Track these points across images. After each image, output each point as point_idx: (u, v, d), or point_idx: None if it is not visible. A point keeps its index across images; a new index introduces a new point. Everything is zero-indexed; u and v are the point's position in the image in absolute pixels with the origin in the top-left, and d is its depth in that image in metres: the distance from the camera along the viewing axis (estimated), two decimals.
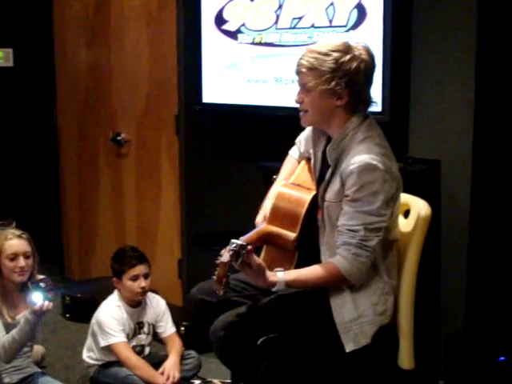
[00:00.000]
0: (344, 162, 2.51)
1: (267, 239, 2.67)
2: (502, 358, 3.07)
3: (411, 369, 2.64)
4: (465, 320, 3.36)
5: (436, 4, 3.30)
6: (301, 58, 2.56)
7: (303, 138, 2.93)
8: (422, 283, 2.68)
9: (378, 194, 2.44)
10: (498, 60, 3.24)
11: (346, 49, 2.52)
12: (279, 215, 2.70)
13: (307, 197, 2.71)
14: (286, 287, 2.49)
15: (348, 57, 2.50)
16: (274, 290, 2.50)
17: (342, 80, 2.50)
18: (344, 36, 3.36)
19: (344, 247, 2.48)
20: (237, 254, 2.38)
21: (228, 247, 2.39)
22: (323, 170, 2.66)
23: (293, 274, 2.53)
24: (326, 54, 2.50)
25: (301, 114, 2.63)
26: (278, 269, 2.51)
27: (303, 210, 2.68)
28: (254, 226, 2.84)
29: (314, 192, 2.72)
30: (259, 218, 2.85)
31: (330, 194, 2.56)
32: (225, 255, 2.39)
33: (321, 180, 2.66)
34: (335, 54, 2.50)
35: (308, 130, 2.87)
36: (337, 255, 2.49)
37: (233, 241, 2.39)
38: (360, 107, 2.58)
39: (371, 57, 2.57)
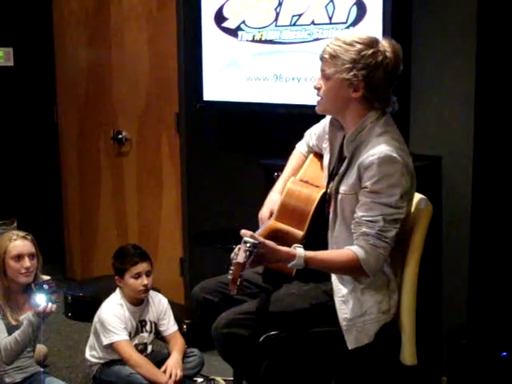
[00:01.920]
0: (362, 154, 2.50)
1: (275, 236, 2.66)
2: (505, 354, 3.07)
3: (414, 365, 2.63)
4: (467, 316, 3.36)
5: (436, 0, 3.30)
6: (326, 45, 2.56)
7: (314, 133, 2.92)
8: (423, 279, 2.68)
9: (396, 187, 2.44)
10: (499, 56, 3.24)
11: (371, 43, 2.51)
12: (288, 212, 2.70)
13: (316, 195, 2.71)
14: (303, 263, 2.45)
15: (371, 51, 2.49)
16: (292, 263, 2.45)
17: (360, 72, 2.49)
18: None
19: (362, 237, 2.46)
20: (251, 253, 2.37)
21: (242, 247, 2.36)
22: (338, 164, 2.65)
23: (312, 252, 2.49)
24: (351, 45, 2.50)
25: (317, 100, 2.63)
26: (296, 245, 2.49)
27: (312, 208, 2.68)
28: (255, 223, 2.84)
29: (322, 190, 2.72)
30: (264, 213, 2.84)
31: (344, 187, 2.55)
32: (240, 255, 2.36)
33: (335, 173, 2.65)
34: (359, 46, 2.50)
35: (322, 125, 2.87)
36: (355, 245, 2.47)
37: (245, 239, 2.36)
38: (377, 104, 2.57)
39: (396, 57, 2.54)
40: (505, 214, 3.34)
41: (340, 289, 2.58)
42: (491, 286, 3.35)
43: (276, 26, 3.68)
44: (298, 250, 2.46)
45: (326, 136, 2.77)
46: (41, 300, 3.11)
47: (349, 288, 2.57)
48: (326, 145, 2.78)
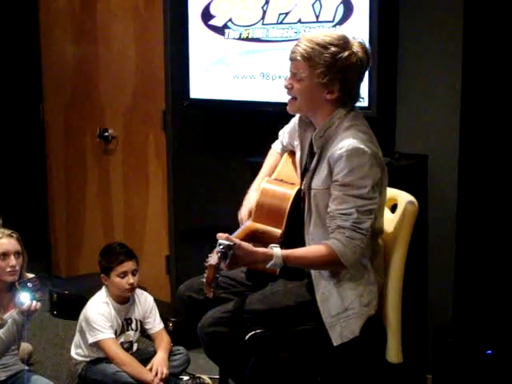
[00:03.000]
0: (330, 149, 2.50)
1: (253, 236, 2.66)
2: (490, 352, 3.09)
3: (399, 363, 2.64)
4: (452, 314, 3.37)
5: None
6: (296, 45, 2.53)
7: (287, 131, 2.93)
8: (409, 277, 2.69)
9: (366, 178, 2.44)
10: (485, 54, 3.25)
11: (344, 44, 2.50)
12: (264, 212, 2.70)
13: (291, 192, 2.71)
14: (282, 261, 2.44)
15: (346, 53, 2.48)
16: (270, 264, 2.44)
17: (335, 76, 2.49)
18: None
19: (338, 231, 2.46)
20: (224, 254, 2.37)
21: (216, 249, 2.37)
22: (309, 160, 2.66)
23: (289, 250, 2.50)
24: (324, 47, 2.48)
25: (289, 99, 2.62)
26: (273, 245, 2.49)
27: (288, 206, 2.68)
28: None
29: (297, 187, 2.73)
30: (244, 212, 2.84)
31: (316, 182, 2.56)
32: (213, 257, 2.36)
33: (306, 170, 2.66)
34: (333, 49, 2.48)
35: (292, 123, 2.87)
36: (331, 239, 2.47)
37: (220, 241, 2.37)
38: (348, 102, 2.58)
39: (367, 55, 2.55)
40: (490, 213, 3.35)
41: (320, 286, 2.59)
42: (476, 284, 3.37)
43: (263, 24, 3.68)
44: (275, 250, 2.46)
45: (297, 133, 2.78)
46: (25, 298, 3.10)
47: (328, 284, 2.57)
48: (297, 142, 2.78)
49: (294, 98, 2.60)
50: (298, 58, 2.52)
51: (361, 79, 2.60)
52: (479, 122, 3.31)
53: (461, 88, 3.23)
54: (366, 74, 3.19)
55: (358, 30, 3.27)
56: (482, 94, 3.29)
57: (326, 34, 2.57)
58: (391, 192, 2.78)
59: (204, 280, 2.38)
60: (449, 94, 3.27)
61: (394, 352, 2.64)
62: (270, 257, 2.45)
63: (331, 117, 2.56)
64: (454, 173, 3.29)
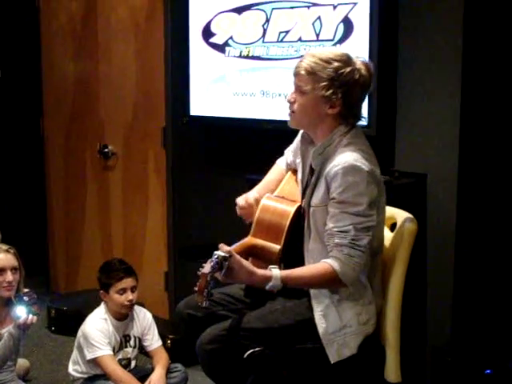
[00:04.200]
0: (328, 166, 2.52)
1: (252, 251, 2.66)
2: (488, 371, 3.08)
3: (398, 382, 2.63)
4: (451, 333, 3.37)
5: (422, 18, 3.32)
6: (301, 60, 2.57)
7: (291, 149, 2.94)
8: (408, 296, 2.68)
9: (362, 196, 2.45)
10: (484, 74, 3.27)
11: (347, 60, 2.54)
12: (264, 228, 2.70)
13: (291, 209, 2.71)
14: (281, 283, 2.45)
15: (349, 69, 2.52)
16: (269, 285, 2.45)
17: (338, 90, 2.52)
18: None
19: (336, 248, 2.46)
20: (220, 265, 2.37)
21: (210, 259, 2.38)
22: (309, 177, 2.67)
23: (288, 270, 2.50)
24: (328, 62, 2.52)
25: (289, 114, 2.64)
26: (272, 266, 2.49)
27: (287, 222, 2.68)
28: (241, 237, 2.83)
29: (298, 204, 2.73)
30: (240, 201, 2.84)
31: (315, 199, 2.57)
32: (206, 266, 2.38)
33: (307, 187, 2.67)
34: (336, 64, 2.52)
35: (296, 141, 2.88)
36: (329, 258, 2.47)
37: (215, 252, 2.38)
38: (350, 120, 2.60)
39: (369, 74, 2.58)
40: (489, 232, 3.35)
41: (318, 303, 2.58)
42: (475, 303, 3.36)
43: (263, 42, 3.70)
44: (274, 272, 2.46)
45: (299, 151, 2.79)
46: (21, 312, 3.10)
47: (327, 302, 2.57)
48: (298, 160, 2.80)
49: (293, 112, 2.61)
50: (302, 72, 2.55)
51: (363, 97, 2.61)
52: (478, 141, 3.32)
53: (460, 107, 3.24)
54: None
55: (358, 49, 3.29)
56: (480, 113, 3.30)
57: (330, 50, 2.64)
58: (390, 211, 2.78)
59: (196, 288, 2.38)
60: (448, 113, 3.28)
61: (392, 371, 2.63)
62: (268, 278, 2.45)
63: (332, 134, 2.57)
64: (453, 192, 3.29)
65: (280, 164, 3.01)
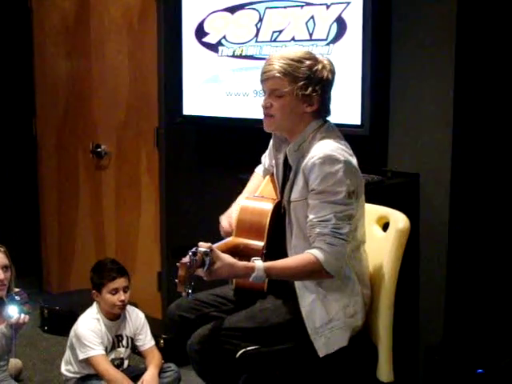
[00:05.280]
0: (305, 160, 2.54)
1: (235, 250, 2.65)
2: (480, 371, 3.08)
3: (390, 382, 2.64)
4: (443, 333, 3.37)
5: (415, 18, 3.32)
6: (269, 64, 2.59)
7: (267, 154, 2.98)
8: (400, 296, 2.69)
9: (340, 184, 2.47)
10: (477, 73, 3.27)
11: (315, 58, 2.60)
12: (245, 228, 2.71)
13: (269, 206, 2.73)
14: (264, 273, 2.45)
15: (320, 66, 2.58)
16: (252, 277, 2.44)
17: (316, 87, 2.56)
18: (324, 49, 3.38)
19: (318, 238, 2.48)
20: (201, 261, 2.37)
21: (189, 251, 2.38)
22: (286, 174, 2.69)
23: (271, 262, 2.51)
24: (299, 61, 2.56)
25: (265, 118, 2.64)
26: (254, 258, 2.50)
27: (267, 220, 2.69)
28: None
29: (276, 200, 2.75)
30: (224, 223, 2.85)
31: (294, 194, 2.59)
32: (185, 258, 2.37)
33: (284, 184, 2.68)
34: (307, 62, 2.56)
35: (270, 145, 2.90)
36: (312, 248, 2.48)
37: (196, 247, 2.39)
38: (323, 115, 2.64)
39: (333, 68, 2.64)
40: (482, 231, 3.36)
41: (304, 298, 2.59)
42: (468, 302, 3.37)
43: (256, 41, 3.70)
44: (257, 263, 2.47)
45: (272, 153, 2.83)
46: (13, 311, 3.09)
47: (313, 296, 2.58)
48: (274, 160, 2.82)
49: (271, 116, 2.62)
50: (277, 74, 2.56)
51: (330, 93, 2.65)
52: (471, 141, 3.32)
53: (453, 107, 3.24)
54: (359, 92, 3.27)
55: (352, 49, 3.30)
56: (474, 112, 3.31)
57: (294, 50, 2.67)
58: (383, 210, 2.79)
59: (176, 280, 2.38)
60: (441, 112, 3.28)
61: (385, 371, 2.64)
62: (251, 269, 2.45)
63: (305, 130, 2.60)
64: (446, 191, 3.30)
65: (258, 171, 3.05)
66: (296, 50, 2.65)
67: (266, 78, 2.60)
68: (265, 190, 2.87)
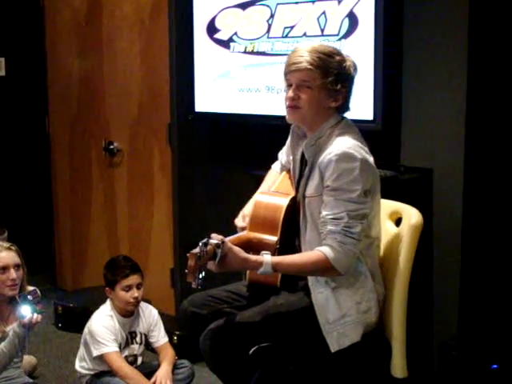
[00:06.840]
0: (321, 156, 2.54)
1: (249, 245, 2.65)
2: (495, 366, 3.07)
3: (404, 377, 2.63)
4: (457, 328, 3.36)
5: (427, 12, 3.31)
6: (300, 56, 2.57)
7: (285, 151, 2.97)
8: (414, 291, 2.68)
9: (356, 182, 2.47)
10: (490, 68, 3.25)
11: (343, 54, 2.62)
12: (259, 223, 2.71)
13: (284, 201, 2.73)
14: (271, 269, 2.46)
15: (348, 63, 2.60)
16: (260, 270, 2.46)
17: (343, 83, 2.58)
18: (336, 45, 3.36)
19: (330, 236, 2.48)
20: (213, 253, 2.37)
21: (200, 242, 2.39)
22: (302, 169, 2.68)
23: (280, 257, 2.53)
24: (330, 56, 2.57)
25: (289, 109, 2.63)
26: (264, 252, 2.51)
27: (281, 215, 2.68)
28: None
29: (291, 196, 2.74)
30: (239, 219, 2.84)
31: (310, 190, 2.58)
32: (196, 248, 2.37)
33: (300, 179, 2.68)
34: (337, 58, 2.58)
35: (288, 141, 2.90)
36: (323, 245, 2.49)
37: (207, 239, 2.39)
38: (342, 111, 2.65)
39: (357, 67, 2.66)
40: (496, 227, 3.34)
41: (317, 294, 2.59)
42: (482, 298, 3.35)
43: (268, 37, 3.69)
44: (265, 257, 2.47)
45: (290, 149, 2.82)
46: (26, 311, 3.10)
47: (326, 292, 2.57)
48: (291, 156, 2.82)
49: (296, 108, 2.60)
50: (309, 66, 2.55)
51: (352, 90, 2.66)
52: (484, 136, 3.30)
53: (466, 102, 3.23)
54: (371, 87, 3.26)
55: (363, 44, 3.28)
56: (487, 107, 3.29)
57: (322, 44, 2.68)
58: (396, 206, 2.78)
59: (186, 270, 2.37)
60: (454, 107, 3.27)
61: (399, 367, 2.63)
62: (260, 263, 2.46)
63: (323, 125, 2.60)
64: (460, 186, 3.28)
65: (275, 168, 3.04)
66: (324, 45, 2.66)
67: (295, 69, 2.58)
68: (280, 186, 2.86)
